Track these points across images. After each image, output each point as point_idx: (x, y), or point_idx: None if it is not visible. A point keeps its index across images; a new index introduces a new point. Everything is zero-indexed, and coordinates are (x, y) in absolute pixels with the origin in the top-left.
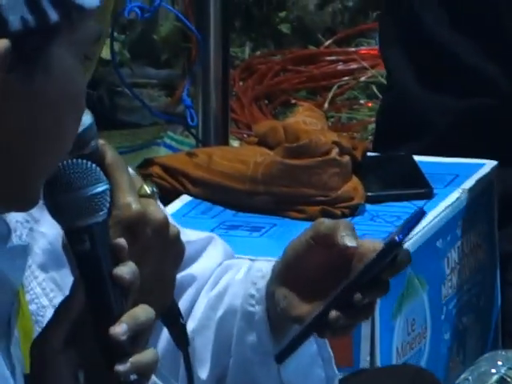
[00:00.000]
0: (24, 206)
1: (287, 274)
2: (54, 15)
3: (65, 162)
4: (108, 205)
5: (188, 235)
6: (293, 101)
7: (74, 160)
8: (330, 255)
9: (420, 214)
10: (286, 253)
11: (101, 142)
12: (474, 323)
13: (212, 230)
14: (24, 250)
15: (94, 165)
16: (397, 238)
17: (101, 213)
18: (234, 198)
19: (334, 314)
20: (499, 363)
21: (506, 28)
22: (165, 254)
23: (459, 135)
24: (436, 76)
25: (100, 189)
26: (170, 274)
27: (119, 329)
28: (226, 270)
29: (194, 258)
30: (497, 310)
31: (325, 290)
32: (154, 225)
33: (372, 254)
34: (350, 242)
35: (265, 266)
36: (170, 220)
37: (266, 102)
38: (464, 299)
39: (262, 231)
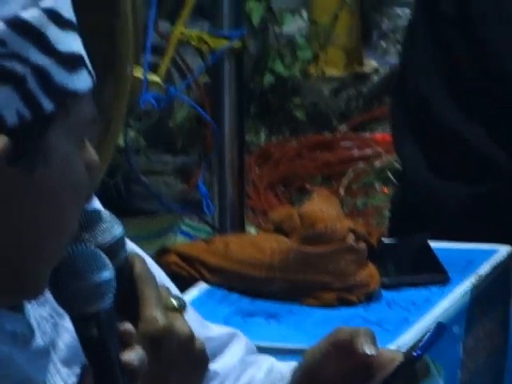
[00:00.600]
0: (31, 295)
1: (306, 380)
2: (49, 105)
3: (69, 249)
4: (114, 290)
5: (211, 330)
6: (308, 187)
7: (80, 247)
8: (348, 362)
9: (441, 329)
10: (305, 358)
11: (129, 252)
12: None
13: (229, 318)
14: (47, 351)
15: (99, 251)
16: (415, 353)
17: (107, 299)
18: (250, 285)
19: None
20: None
21: None
22: (190, 367)
23: (472, 221)
24: (447, 162)
25: (106, 276)
26: None
27: None
28: (247, 367)
29: (216, 354)
30: None
31: None
32: (179, 340)
33: (391, 365)
34: (369, 350)
35: (285, 369)
36: (196, 334)
37: (282, 188)
38: (478, 382)
39: (279, 318)
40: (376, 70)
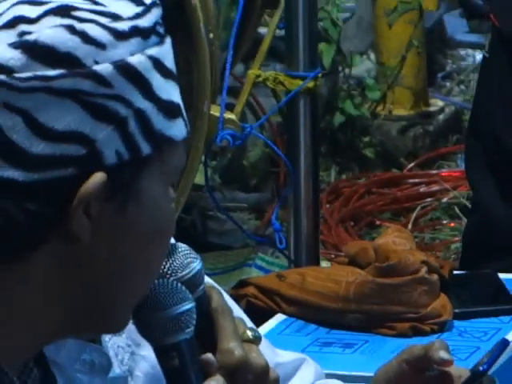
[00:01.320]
0: (115, 330)
1: None
2: (146, 148)
3: (155, 282)
4: (194, 322)
5: (281, 356)
6: (377, 222)
7: (161, 280)
8: (421, 378)
9: (504, 345)
10: (378, 376)
11: (207, 285)
12: None
13: (306, 347)
14: (125, 379)
15: (179, 284)
16: (481, 367)
17: (187, 330)
18: (327, 316)
19: None
20: None
21: None
22: None
23: None
24: None
25: (186, 307)
26: None
27: None
28: None
29: (287, 379)
30: None
31: None
32: (255, 371)
33: (459, 381)
34: (444, 355)
35: None
36: (269, 362)
37: (352, 223)
38: None
39: (355, 347)
40: (441, 110)
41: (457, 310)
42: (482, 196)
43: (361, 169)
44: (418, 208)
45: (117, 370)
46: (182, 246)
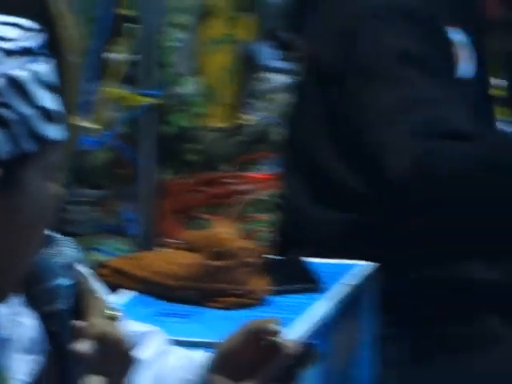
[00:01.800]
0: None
1: (223, 364)
2: (29, 147)
3: (36, 261)
4: (69, 295)
5: (137, 328)
6: (200, 215)
7: (43, 260)
8: (259, 348)
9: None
10: (222, 346)
11: (81, 270)
12: None
13: (150, 317)
14: (7, 342)
15: (57, 263)
16: (310, 341)
17: (63, 301)
18: (168, 292)
19: None
20: None
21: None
22: (120, 360)
23: (344, 242)
24: (324, 196)
25: (60, 282)
26: (122, 376)
27: None
28: (166, 355)
29: (139, 345)
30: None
31: (254, 376)
32: (112, 341)
33: (292, 351)
34: (278, 338)
35: (201, 356)
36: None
37: (181, 215)
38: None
39: (190, 318)
40: (251, 123)
41: (273, 288)
42: (291, 194)
43: (189, 171)
44: (234, 203)
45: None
46: (66, 238)
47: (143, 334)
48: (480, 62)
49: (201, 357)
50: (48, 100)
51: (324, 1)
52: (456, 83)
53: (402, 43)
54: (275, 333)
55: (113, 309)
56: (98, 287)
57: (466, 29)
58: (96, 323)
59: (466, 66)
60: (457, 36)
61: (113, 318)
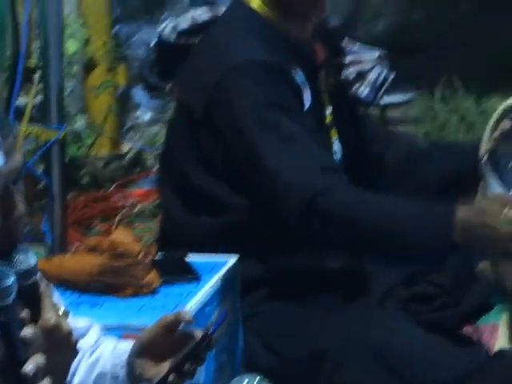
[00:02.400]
0: None
1: (144, 350)
2: None
3: None
4: (15, 292)
5: (79, 323)
6: (93, 224)
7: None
8: (172, 336)
9: (224, 316)
10: (143, 336)
11: (38, 276)
12: (227, 361)
13: (69, 306)
14: None
15: (5, 268)
16: (209, 331)
17: (10, 297)
18: (80, 286)
19: (171, 377)
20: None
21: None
22: (67, 348)
23: (211, 241)
24: (193, 204)
25: (7, 282)
26: (68, 364)
27: (27, 368)
28: (99, 345)
29: (81, 337)
30: (240, 351)
31: (169, 359)
32: (62, 333)
33: (195, 338)
34: (188, 329)
35: (126, 344)
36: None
37: (77, 226)
38: (222, 344)
39: (100, 305)
40: (130, 150)
41: (162, 279)
42: (169, 207)
43: (82, 190)
44: (119, 215)
45: None
46: (24, 249)
47: (84, 328)
48: (316, 95)
49: (127, 345)
50: None
51: (193, 53)
52: (306, 116)
53: (266, 93)
54: (187, 322)
55: (64, 308)
56: (50, 290)
57: (303, 70)
58: (50, 317)
59: (307, 99)
60: (300, 78)
61: (64, 315)
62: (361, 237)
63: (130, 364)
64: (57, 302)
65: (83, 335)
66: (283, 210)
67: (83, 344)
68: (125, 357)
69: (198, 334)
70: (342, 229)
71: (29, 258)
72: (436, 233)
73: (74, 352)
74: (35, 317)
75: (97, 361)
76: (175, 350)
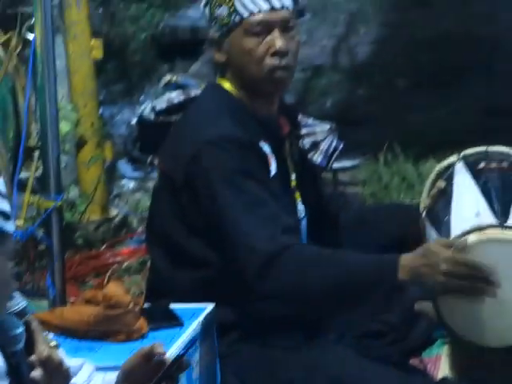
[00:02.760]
0: None
1: (126, 377)
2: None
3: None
4: (23, 339)
5: (72, 362)
6: (88, 280)
7: (7, 316)
8: (149, 364)
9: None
10: (125, 365)
11: (30, 316)
12: None
13: (68, 351)
14: None
15: (14, 317)
16: (181, 352)
17: (20, 343)
18: (79, 334)
19: None
20: None
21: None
22: (60, 380)
23: (193, 291)
24: (177, 260)
25: (19, 331)
26: None
27: None
28: (91, 379)
29: (75, 373)
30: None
31: (148, 383)
32: (54, 364)
33: (167, 363)
34: (162, 356)
35: (114, 374)
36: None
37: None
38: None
39: (97, 349)
40: (117, 214)
41: (150, 326)
42: (157, 261)
43: (77, 250)
44: (110, 270)
45: None
46: (13, 295)
47: (78, 366)
48: (281, 163)
49: (115, 375)
50: (5, 204)
51: (173, 130)
52: (271, 185)
53: (236, 162)
54: (160, 352)
55: (55, 342)
56: (40, 327)
57: (270, 142)
58: (43, 350)
59: (273, 167)
60: (266, 149)
61: (55, 347)
62: (310, 300)
63: None
64: (47, 335)
65: (76, 373)
66: (243, 271)
67: (78, 379)
68: (113, 383)
69: (169, 359)
70: (291, 294)
71: (19, 301)
72: (383, 276)
73: (67, 379)
74: (29, 350)
75: None
76: (152, 376)
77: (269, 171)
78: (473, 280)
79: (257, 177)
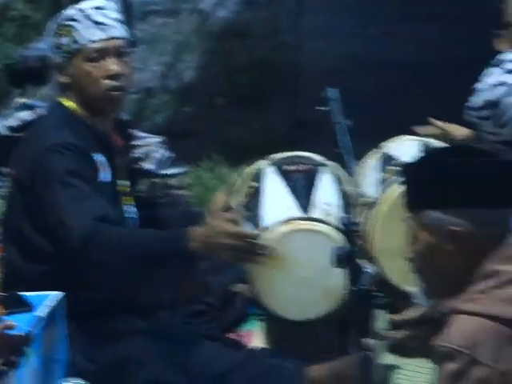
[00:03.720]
0: None
1: None
2: None
3: None
4: None
5: None
6: None
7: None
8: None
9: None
10: None
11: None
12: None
13: None
14: None
15: None
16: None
17: None
18: None
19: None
20: None
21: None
22: None
23: (41, 282)
24: (26, 254)
25: None
26: None
27: None
28: None
29: None
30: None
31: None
32: None
33: (15, 338)
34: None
35: None
36: None
37: None
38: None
39: None
40: None
41: (4, 311)
42: (9, 257)
43: None
44: None
45: None
46: None
47: None
48: (114, 172)
49: None
50: None
51: (21, 142)
52: (99, 185)
53: (67, 164)
54: (10, 326)
55: None
56: None
57: (104, 153)
58: None
59: (104, 175)
60: (99, 157)
61: None
62: (121, 266)
63: None
64: None
65: None
66: (67, 252)
67: None
68: None
69: (18, 334)
70: (106, 261)
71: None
72: (177, 244)
73: None
74: None
75: None
76: (3, 349)
77: (97, 175)
78: (245, 248)
79: (84, 176)
